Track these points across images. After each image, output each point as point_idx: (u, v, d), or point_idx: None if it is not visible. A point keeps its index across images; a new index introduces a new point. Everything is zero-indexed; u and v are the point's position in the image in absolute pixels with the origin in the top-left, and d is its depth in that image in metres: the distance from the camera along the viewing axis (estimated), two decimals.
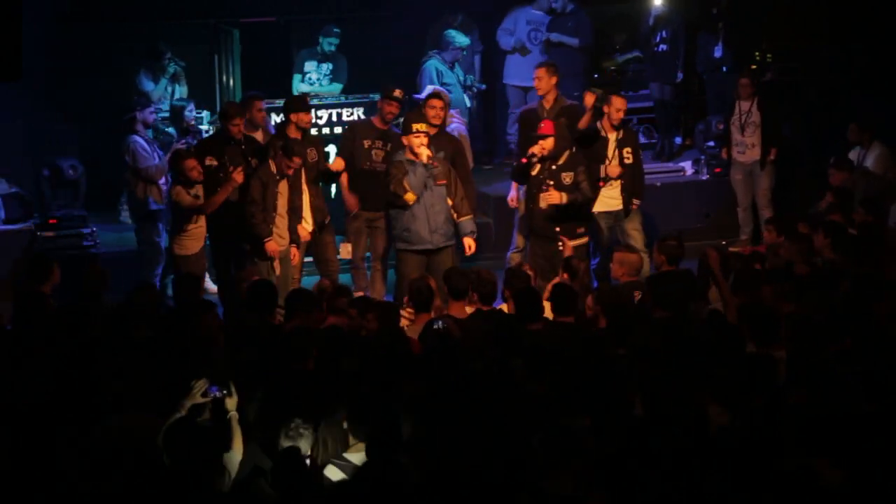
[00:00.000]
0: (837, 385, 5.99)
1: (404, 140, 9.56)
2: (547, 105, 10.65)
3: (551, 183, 9.65)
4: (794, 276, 8.64)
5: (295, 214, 9.78)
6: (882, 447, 5.27)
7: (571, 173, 9.76)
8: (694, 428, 5.55)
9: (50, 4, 12.34)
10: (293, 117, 10.05)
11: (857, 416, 5.58)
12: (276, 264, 9.54)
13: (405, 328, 7.94)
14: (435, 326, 7.34)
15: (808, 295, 7.81)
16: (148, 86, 12.36)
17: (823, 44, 13.28)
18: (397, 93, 10.31)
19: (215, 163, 9.89)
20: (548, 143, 9.76)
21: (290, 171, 9.60)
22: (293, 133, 10.01)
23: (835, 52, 13.25)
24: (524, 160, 9.95)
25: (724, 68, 13.07)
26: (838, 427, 5.43)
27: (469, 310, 8.27)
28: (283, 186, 9.63)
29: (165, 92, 12.37)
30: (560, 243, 9.70)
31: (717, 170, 12.80)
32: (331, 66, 12.67)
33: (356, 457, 5.61)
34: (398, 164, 9.56)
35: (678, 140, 13.78)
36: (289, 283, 9.50)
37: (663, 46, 13.18)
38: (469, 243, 9.75)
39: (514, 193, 10.75)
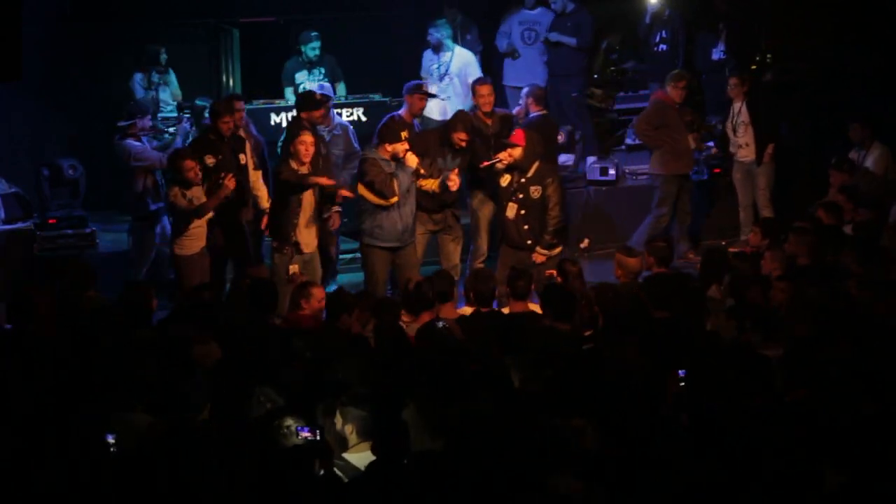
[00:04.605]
0: (838, 385, 6.00)
1: (389, 147, 9.55)
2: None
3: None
4: (798, 268, 8.66)
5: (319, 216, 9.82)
6: (883, 449, 5.27)
7: (539, 187, 9.73)
8: (694, 427, 5.56)
9: (50, 4, 12.33)
10: (304, 115, 10.18)
11: (857, 416, 5.58)
12: (295, 267, 9.56)
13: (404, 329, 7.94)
14: (438, 326, 7.34)
15: (808, 294, 7.82)
16: (139, 92, 12.36)
17: (823, 44, 13.27)
18: (425, 87, 10.71)
19: (213, 161, 9.91)
20: (516, 152, 9.72)
21: (309, 154, 9.54)
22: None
23: (835, 52, 13.25)
24: (485, 163, 9.95)
25: (727, 70, 13.05)
26: (839, 427, 5.43)
27: (468, 310, 8.28)
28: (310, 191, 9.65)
29: (152, 99, 12.32)
30: (535, 254, 9.69)
31: (717, 170, 12.79)
32: (322, 69, 12.63)
33: (355, 457, 5.61)
34: (373, 161, 9.57)
35: None
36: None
37: (663, 46, 13.19)
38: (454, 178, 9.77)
39: None
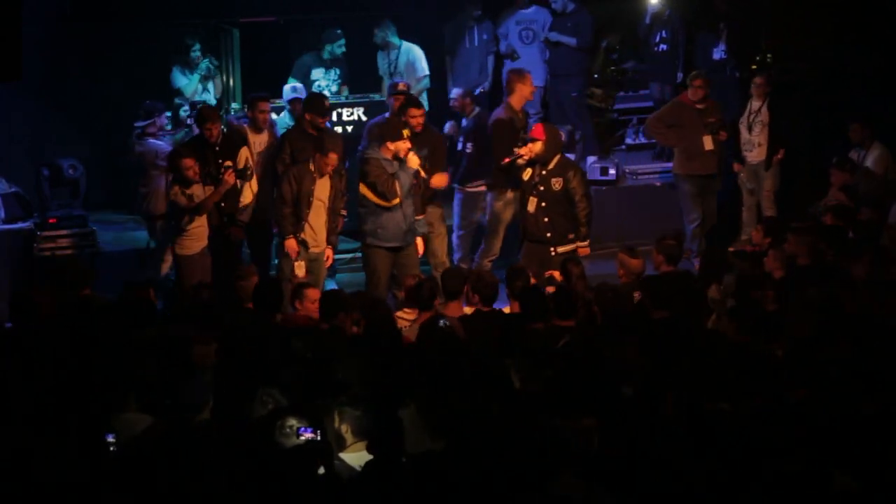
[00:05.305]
0: (838, 385, 6.00)
1: (391, 146, 9.57)
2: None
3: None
4: (798, 268, 8.65)
5: (334, 213, 9.85)
6: (883, 448, 5.27)
7: (561, 179, 9.73)
8: (694, 427, 5.56)
9: (50, 4, 12.34)
10: (308, 116, 10.20)
11: (857, 416, 5.58)
12: (301, 265, 9.57)
13: (403, 329, 7.93)
14: (440, 325, 7.34)
15: (808, 294, 7.82)
16: (181, 81, 12.38)
17: (823, 44, 13.27)
18: (402, 86, 10.84)
19: None
20: (536, 147, 9.74)
21: (329, 169, 9.63)
22: (309, 131, 10.15)
23: (835, 52, 13.24)
24: (507, 159, 9.97)
25: (728, 69, 13.05)
26: (839, 427, 5.43)
27: (468, 310, 8.27)
28: (323, 189, 9.65)
29: (198, 87, 12.37)
30: (552, 248, 9.70)
31: None
32: (338, 70, 12.68)
33: (352, 457, 5.61)
34: (375, 162, 9.58)
35: None
36: (321, 286, 9.50)
37: (663, 46, 13.18)
38: (420, 244, 9.92)
39: None
